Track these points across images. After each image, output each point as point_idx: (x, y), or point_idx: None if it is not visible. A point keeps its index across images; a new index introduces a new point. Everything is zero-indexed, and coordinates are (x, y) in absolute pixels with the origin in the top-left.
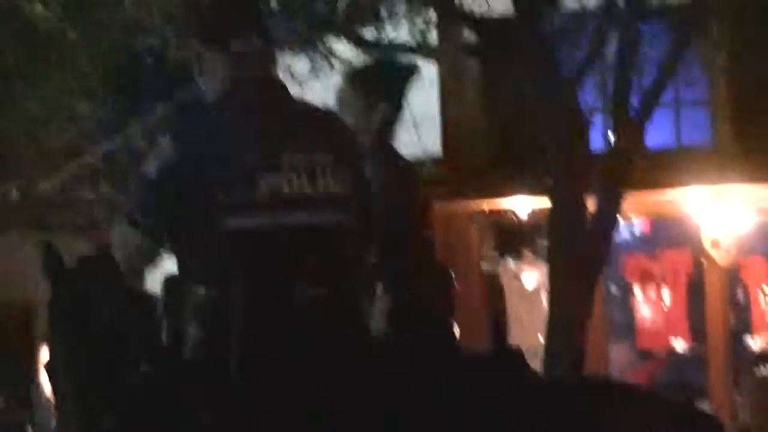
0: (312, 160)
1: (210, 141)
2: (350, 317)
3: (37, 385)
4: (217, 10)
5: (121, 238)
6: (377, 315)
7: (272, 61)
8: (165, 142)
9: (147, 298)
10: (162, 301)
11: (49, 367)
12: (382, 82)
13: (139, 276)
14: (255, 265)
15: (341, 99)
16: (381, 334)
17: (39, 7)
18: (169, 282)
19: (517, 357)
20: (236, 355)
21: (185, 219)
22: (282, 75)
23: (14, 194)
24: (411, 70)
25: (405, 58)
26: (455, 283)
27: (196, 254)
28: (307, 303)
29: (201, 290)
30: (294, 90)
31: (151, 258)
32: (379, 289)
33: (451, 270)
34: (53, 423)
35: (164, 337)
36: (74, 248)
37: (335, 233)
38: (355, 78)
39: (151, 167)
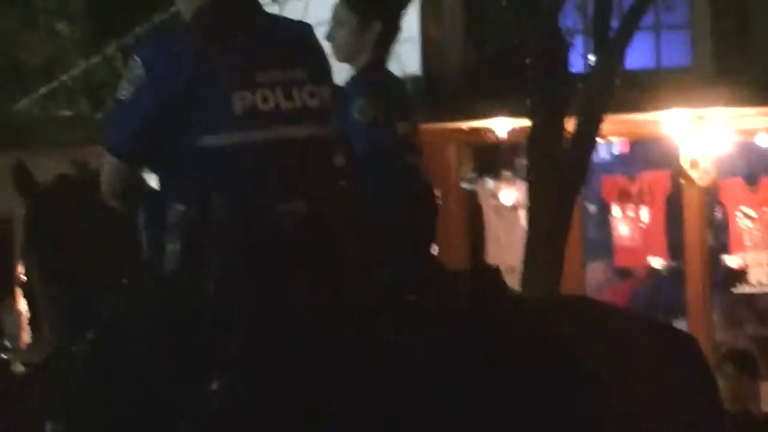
0: (287, 75)
1: (183, 61)
2: (328, 232)
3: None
4: None
5: (107, 168)
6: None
7: None
8: (137, 64)
9: (125, 216)
10: (141, 218)
11: (23, 283)
12: (376, 1)
13: (123, 199)
14: (232, 181)
15: (335, 18)
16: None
17: None
18: (149, 199)
19: (495, 275)
20: (214, 274)
21: (162, 140)
22: None
23: None
24: None
25: None
26: (438, 202)
27: (174, 173)
28: (284, 216)
29: (180, 207)
30: (273, 10)
31: (132, 181)
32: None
33: (437, 191)
34: (24, 338)
35: (144, 253)
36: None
37: (312, 146)
38: None
39: (124, 91)
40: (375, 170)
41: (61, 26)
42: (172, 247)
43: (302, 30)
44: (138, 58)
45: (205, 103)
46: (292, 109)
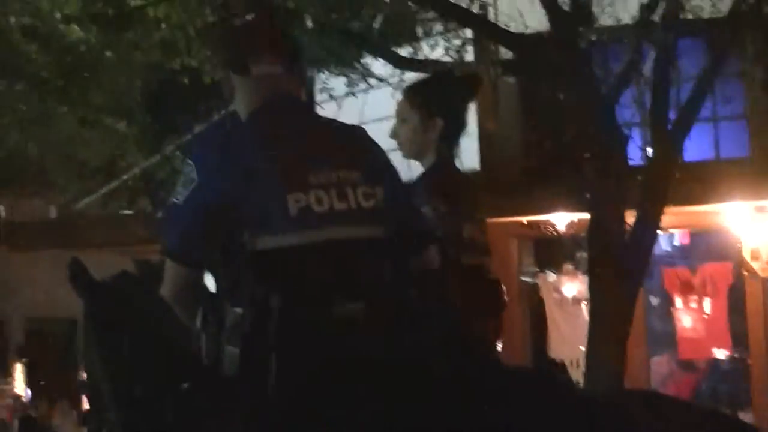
0: (340, 176)
1: (237, 163)
2: (387, 332)
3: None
4: (239, 34)
5: (168, 272)
6: (417, 332)
7: (297, 83)
8: (190, 167)
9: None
10: (200, 319)
11: (84, 382)
12: (438, 97)
13: (182, 301)
14: (288, 283)
15: (399, 115)
16: (422, 350)
17: (76, 29)
18: (207, 300)
19: (560, 371)
20: (274, 373)
21: (217, 242)
22: (319, 93)
23: (53, 212)
24: (468, 85)
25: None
26: (505, 299)
27: (230, 275)
28: (343, 318)
29: (238, 311)
30: (331, 108)
31: (190, 282)
32: (419, 308)
33: (503, 286)
34: None
35: (203, 355)
36: (112, 264)
37: (367, 247)
38: (411, 93)
39: (178, 194)
40: (437, 277)
41: (120, 125)
42: (231, 350)
43: (355, 131)
44: (191, 161)
45: (260, 205)
46: (346, 210)
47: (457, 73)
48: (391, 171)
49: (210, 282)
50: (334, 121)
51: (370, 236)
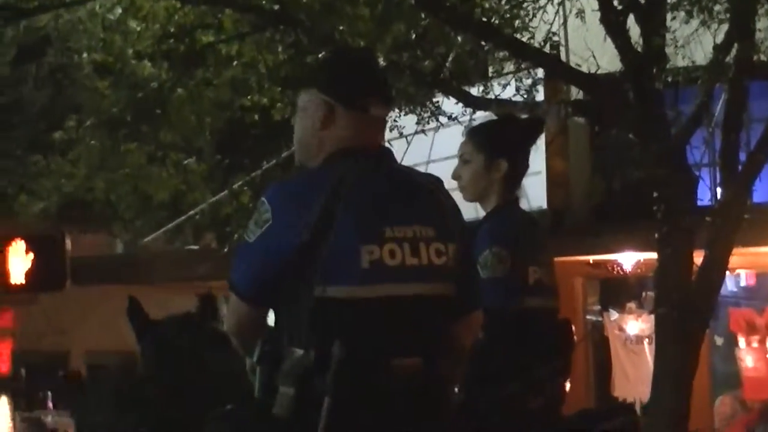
0: (415, 231)
1: (311, 209)
2: (442, 389)
3: None
4: (356, 69)
5: (231, 306)
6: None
7: (384, 127)
8: (264, 207)
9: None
10: (258, 357)
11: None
12: (501, 139)
13: (243, 337)
14: (351, 332)
15: (462, 156)
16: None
17: (148, 65)
18: (267, 339)
19: (628, 411)
20: (327, 419)
21: (285, 284)
22: (389, 131)
23: (119, 247)
24: (532, 127)
25: (527, 114)
26: (574, 339)
27: (294, 317)
28: (399, 371)
29: (298, 352)
30: (400, 146)
31: (253, 320)
32: (484, 362)
33: (572, 326)
34: None
35: (257, 393)
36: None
37: (434, 304)
38: (474, 134)
39: (250, 233)
40: (503, 322)
41: (188, 161)
42: (286, 390)
43: (432, 185)
44: (266, 201)
45: (332, 254)
46: (417, 266)
47: (523, 115)
48: (464, 229)
49: (270, 318)
50: (412, 171)
51: (437, 294)
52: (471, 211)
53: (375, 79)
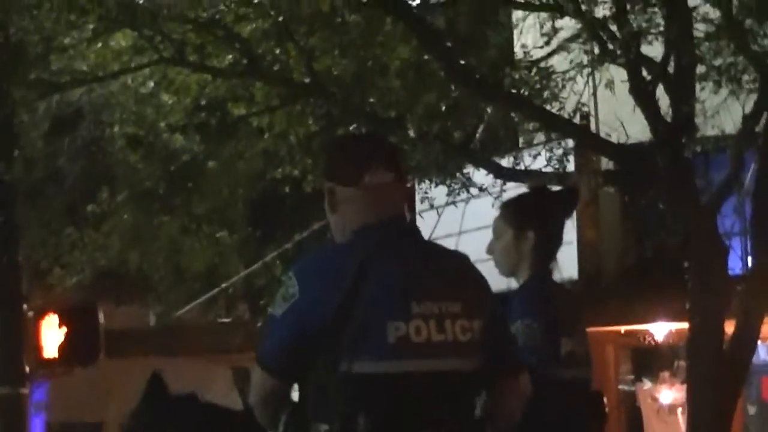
0: (441, 308)
1: (339, 284)
2: None
3: None
4: (352, 145)
5: (257, 379)
6: None
7: (406, 195)
8: (292, 282)
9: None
10: (282, 428)
11: None
12: (530, 211)
13: (268, 410)
14: (375, 407)
15: (494, 231)
16: None
17: (180, 138)
18: (291, 413)
19: None
20: None
21: (311, 358)
22: (419, 203)
23: (152, 319)
24: (562, 198)
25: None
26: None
27: (319, 392)
28: None
29: (323, 427)
30: (431, 217)
31: (279, 394)
32: None
33: (604, 397)
34: None
35: None
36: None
37: (458, 380)
38: (504, 208)
39: (278, 307)
40: (534, 392)
41: (221, 234)
42: None
43: (460, 262)
44: (293, 276)
45: (359, 330)
46: (442, 343)
47: (552, 187)
48: (492, 304)
49: (295, 392)
50: (439, 248)
51: (462, 370)
52: (504, 282)
53: (367, 150)
